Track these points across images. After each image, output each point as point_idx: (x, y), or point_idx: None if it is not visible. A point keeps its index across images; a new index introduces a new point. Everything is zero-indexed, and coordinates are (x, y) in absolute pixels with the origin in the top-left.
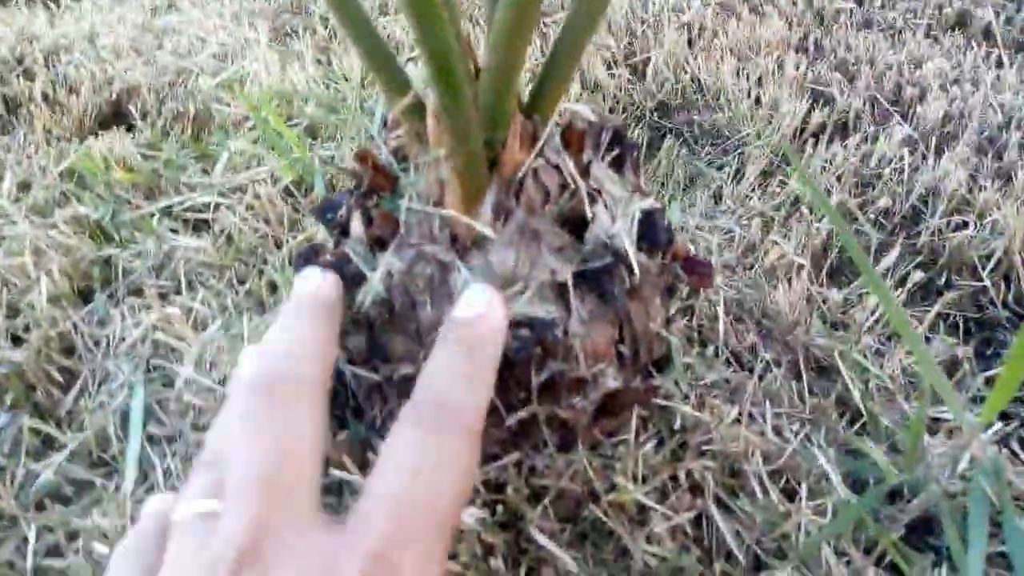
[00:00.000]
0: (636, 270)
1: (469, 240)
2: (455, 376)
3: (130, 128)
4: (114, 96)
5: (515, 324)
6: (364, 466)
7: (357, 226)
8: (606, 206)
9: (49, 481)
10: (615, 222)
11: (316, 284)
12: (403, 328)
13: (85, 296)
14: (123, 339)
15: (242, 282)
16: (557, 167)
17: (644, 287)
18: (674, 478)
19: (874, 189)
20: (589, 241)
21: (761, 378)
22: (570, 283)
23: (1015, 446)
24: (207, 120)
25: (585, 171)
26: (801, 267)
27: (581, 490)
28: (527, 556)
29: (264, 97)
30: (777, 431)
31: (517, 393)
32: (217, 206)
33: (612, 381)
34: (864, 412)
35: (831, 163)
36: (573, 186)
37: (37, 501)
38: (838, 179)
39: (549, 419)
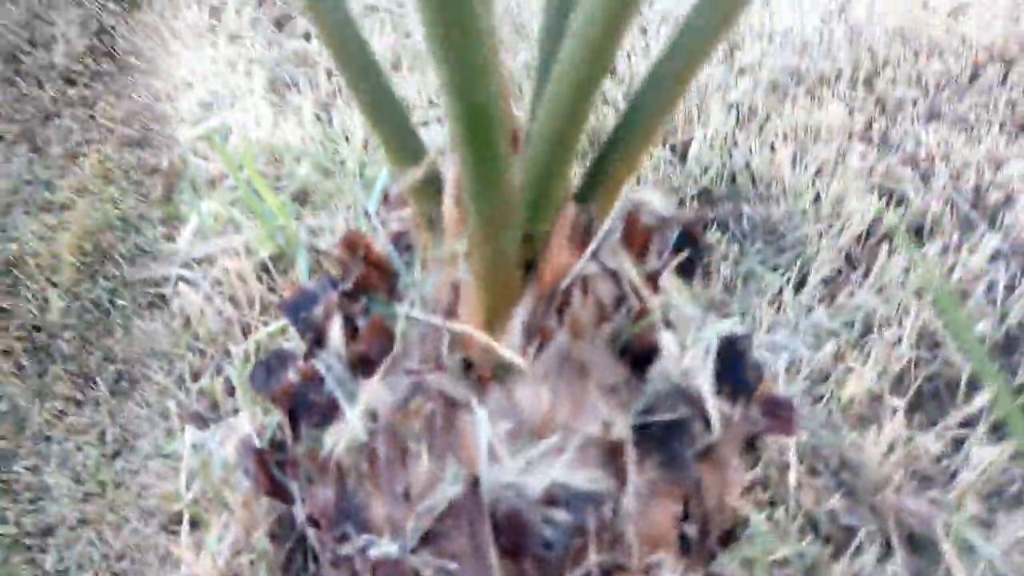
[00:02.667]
0: (716, 425)
1: (489, 369)
2: None
3: None
4: None
5: (548, 500)
6: None
7: (336, 335)
8: (673, 329)
9: None
10: (686, 353)
11: None
12: (388, 486)
13: None
14: None
15: (197, 377)
16: (614, 274)
17: (723, 446)
18: None
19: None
20: (654, 379)
21: (856, 552)
22: (629, 443)
23: None
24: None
25: (652, 283)
26: (895, 410)
27: None
28: None
29: (248, 152)
30: None
31: None
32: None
33: None
34: None
35: (910, 274)
36: (636, 303)
37: None
38: (917, 295)
39: None
